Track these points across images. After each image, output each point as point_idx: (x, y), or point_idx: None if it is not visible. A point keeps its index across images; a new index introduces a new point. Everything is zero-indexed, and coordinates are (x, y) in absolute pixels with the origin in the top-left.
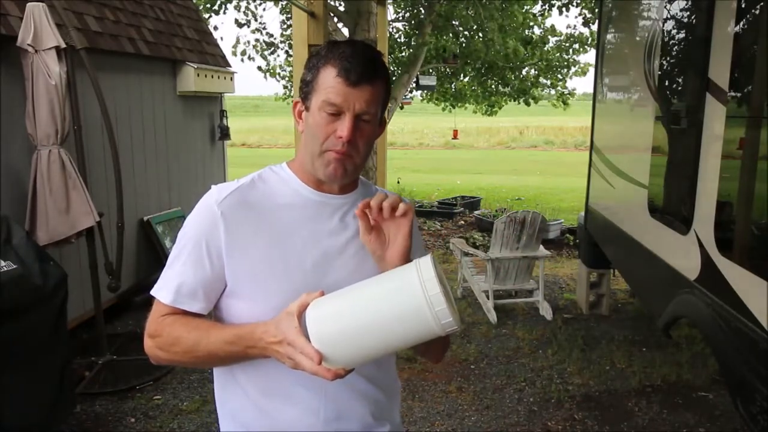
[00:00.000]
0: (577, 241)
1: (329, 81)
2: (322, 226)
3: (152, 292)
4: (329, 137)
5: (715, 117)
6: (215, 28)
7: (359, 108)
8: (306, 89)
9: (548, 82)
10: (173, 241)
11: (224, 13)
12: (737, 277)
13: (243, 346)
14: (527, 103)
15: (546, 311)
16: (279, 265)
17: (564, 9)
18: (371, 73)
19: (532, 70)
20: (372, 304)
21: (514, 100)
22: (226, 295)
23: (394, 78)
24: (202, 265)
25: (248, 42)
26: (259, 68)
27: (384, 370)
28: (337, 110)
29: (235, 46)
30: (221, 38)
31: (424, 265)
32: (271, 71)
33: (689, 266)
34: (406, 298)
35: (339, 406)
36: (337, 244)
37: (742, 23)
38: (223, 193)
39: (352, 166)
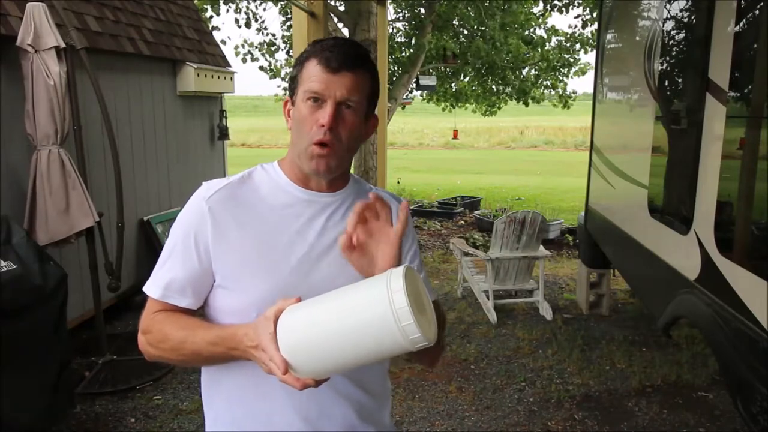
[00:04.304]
0: (577, 241)
1: (311, 71)
2: (309, 224)
3: (144, 289)
4: (312, 127)
5: (715, 117)
6: (216, 28)
7: (340, 95)
8: (292, 85)
9: (549, 83)
10: None
11: (227, 11)
12: (737, 277)
13: (225, 347)
14: (526, 104)
15: (546, 311)
16: (264, 261)
17: (564, 9)
18: (352, 61)
19: (533, 71)
20: (339, 316)
21: (517, 101)
22: (214, 290)
23: (394, 78)
24: (190, 259)
25: (252, 44)
26: (261, 68)
27: (370, 373)
28: (319, 98)
29: (237, 48)
30: (228, 37)
31: (395, 276)
32: (275, 71)
33: (689, 266)
34: (372, 312)
35: (320, 405)
36: (323, 243)
37: (742, 23)
38: (212, 189)
39: (336, 160)
